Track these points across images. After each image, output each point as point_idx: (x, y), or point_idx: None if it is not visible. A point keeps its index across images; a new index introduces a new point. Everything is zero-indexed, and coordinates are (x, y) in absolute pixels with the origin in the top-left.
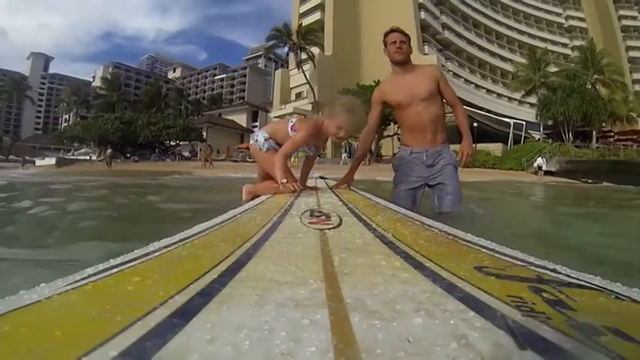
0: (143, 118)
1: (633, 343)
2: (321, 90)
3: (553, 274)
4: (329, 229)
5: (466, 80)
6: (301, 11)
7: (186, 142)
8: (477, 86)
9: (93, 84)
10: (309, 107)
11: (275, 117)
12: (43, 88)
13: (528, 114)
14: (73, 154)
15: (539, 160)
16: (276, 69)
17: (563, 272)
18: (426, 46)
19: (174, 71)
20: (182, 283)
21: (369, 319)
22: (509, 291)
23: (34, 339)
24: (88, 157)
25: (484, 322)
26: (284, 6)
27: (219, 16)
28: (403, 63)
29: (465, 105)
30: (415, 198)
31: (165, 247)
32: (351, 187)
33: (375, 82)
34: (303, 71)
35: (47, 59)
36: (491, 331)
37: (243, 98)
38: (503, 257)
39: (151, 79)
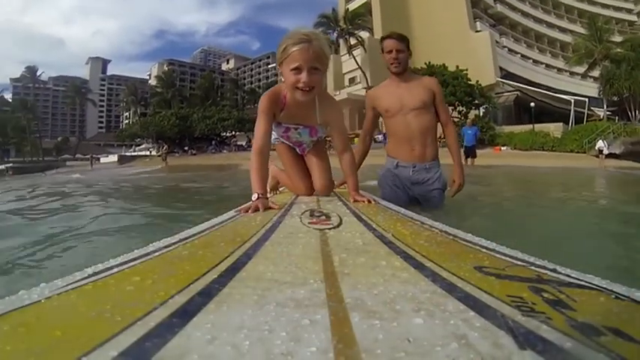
0: (198, 112)
1: (633, 343)
2: (374, 74)
3: (553, 274)
4: (329, 229)
5: (523, 56)
6: None
7: (242, 133)
8: (535, 61)
9: (149, 82)
10: (363, 92)
11: None
12: (103, 90)
13: (592, 89)
14: (133, 151)
15: (600, 143)
16: (334, 52)
17: (563, 272)
18: (477, 23)
19: (227, 62)
20: (182, 283)
21: (369, 319)
22: (510, 291)
23: (34, 339)
24: (147, 153)
25: (484, 322)
26: None
27: (266, 4)
28: (399, 73)
29: (523, 82)
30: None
31: (165, 247)
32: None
33: (426, 64)
34: (354, 56)
35: (104, 62)
36: (492, 331)
37: None
38: (503, 257)
39: (204, 72)
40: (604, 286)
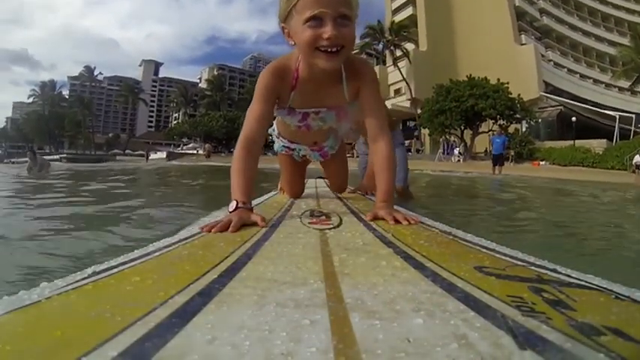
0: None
1: (633, 343)
2: (418, 86)
3: (553, 274)
4: (329, 229)
5: (569, 70)
6: (393, 7)
7: None
8: (582, 76)
9: (199, 85)
10: (408, 104)
11: None
12: (154, 90)
13: None
14: (181, 149)
15: (637, 158)
16: (377, 64)
17: (563, 272)
18: (522, 36)
19: None
20: (182, 283)
21: (369, 319)
22: (510, 291)
23: (34, 339)
24: (195, 152)
25: (484, 322)
26: (378, 0)
27: None
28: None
29: (568, 97)
30: None
31: (165, 247)
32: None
33: (467, 77)
34: (399, 68)
35: (157, 65)
36: (492, 331)
37: None
38: (503, 257)
39: (253, 78)
40: (604, 286)
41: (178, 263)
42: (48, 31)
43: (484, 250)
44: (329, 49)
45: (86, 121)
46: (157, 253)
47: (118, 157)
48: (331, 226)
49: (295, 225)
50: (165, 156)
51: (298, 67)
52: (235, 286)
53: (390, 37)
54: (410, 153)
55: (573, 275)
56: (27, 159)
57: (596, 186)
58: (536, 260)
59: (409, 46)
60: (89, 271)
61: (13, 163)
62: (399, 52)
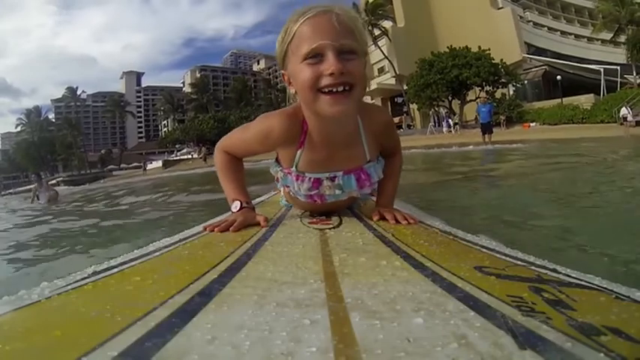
0: (235, 114)
1: (633, 343)
2: (401, 62)
3: (553, 274)
4: (329, 229)
5: (550, 29)
6: None
7: None
8: (563, 33)
9: (184, 89)
10: (393, 81)
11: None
12: (139, 101)
13: (624, 56)
14: (176, 155)
15: (624, 110)
16: None
17: (563, 272)
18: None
19: (258, 63)
20: (182, 283)
21: (369, 319)
22: (510, 291)
23: (34, 339)
24: (190, 156)
25: (484, 322)
26: None
27: (291, 2)
28: None
29: (552, 56)
30: None
31: (165, 247)
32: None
33: (448, 47)
34: (379, 47)
35: (138, 75)
36: (492, 331)
37: None
38: (503, 257)
39: (237, 75)
40: (604, 286)
41: (178, 263)
42: (24, 56)
43: (484, 250)
44: (334, 89)
45: (77, 141)
46: (156, 253)
47: (114, 173)
48: (331, 226)
49: (295, 225)
50: (161, 165)
51: (306, 121)
52: (235, 286)
53: (366, 18)
54: (401, 129)
55: (573, 275)
56: (24, 188)
57: (590, 141)
58: (536, 260)
59: (387, 24)
60: (89, 271)
61: (12, 194)
62: (377, 31)
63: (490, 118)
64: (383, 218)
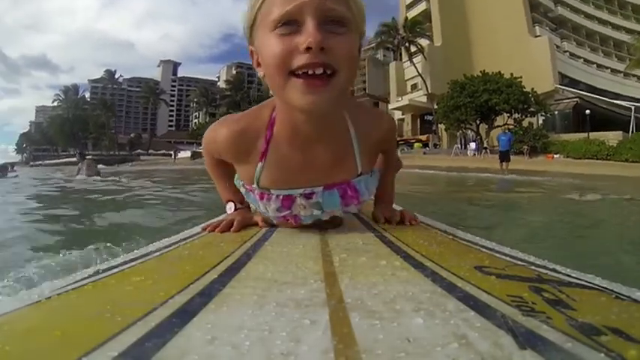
0: None
1: (633, 343)
2: (434, 81)
3: (553, 274)
4: (329, 229)
5: (586, 60)
6: (407, 3)
7: None
8: (599, 66)
9: (218, 83)
10: (424, 99)
11: (392, 109)
12: (173, 90)
13: None
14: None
15: None
16: (394, 59)
17: (563, 272)
18: (537, 27)
19: None
20: (182, 283)
21: (369, 319)
22: (510, 291)
23: (34, 339)
24: None
25: (484, 322)
26: None
27: None
28: None
29: (586, 88)
30: None
31: (165, 247)
32: None
33: (481, 72)
34: (414, 64)
35: (175, 65)
36: (492, 331)
37: (365, 89)
38: (503, 257)
39: None
40: (604, 286)
41: (178, 263)
42: (65, 35)
43: (484, 250)
44: (309, 71)
45: (109, 122)
46: (156, 253)
47: (142, 157)
48: (331, 226)
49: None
50: (189, 155)
51: (272, 123)
52: (235, 286)
53: (404, 34)
54: (427, 148)
55: (573, 275)
56: (53, 162)
57: (611, 180)
58: (536, 260)
59: (423, 42)
60: (89, 271)
61: (41, 165)
62: (413, 48)
63: (509, 147)
64: (385, 218)
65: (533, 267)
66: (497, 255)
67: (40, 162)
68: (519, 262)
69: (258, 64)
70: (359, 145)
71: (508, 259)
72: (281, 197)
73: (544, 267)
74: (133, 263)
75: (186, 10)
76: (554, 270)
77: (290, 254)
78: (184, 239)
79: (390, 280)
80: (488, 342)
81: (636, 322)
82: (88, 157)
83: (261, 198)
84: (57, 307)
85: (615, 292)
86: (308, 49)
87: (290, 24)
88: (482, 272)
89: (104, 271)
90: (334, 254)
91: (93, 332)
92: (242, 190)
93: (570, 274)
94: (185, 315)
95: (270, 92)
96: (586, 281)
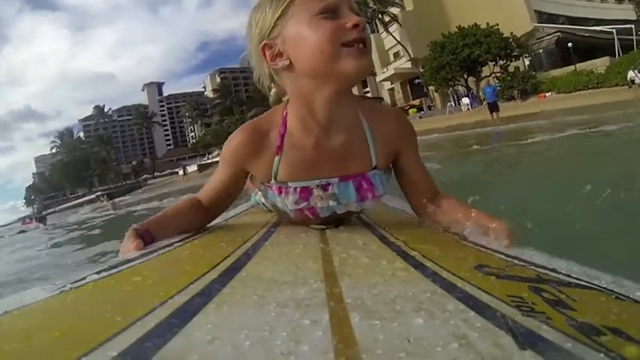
0: (259, 112)
1: (633, 343)
2: (414, 46)
3: (553, 274)
4: (329, 228)
5: None
6: None
7: None
8: None
9: (205, 93)
10: (409, 65)
11: (380, 81)
12: (163, 110)
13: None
14: (208, 159)
15: (630, 73)
16: (372, 31)
17: (563, 272)
18: None
19: None
20: (182, 283)
21: (369, 319)
22: (510, 291)
23: (34, 339)
24: None
25: (484, 322)
26: None
27: None
28: None
29: (566, 21)
30: None
31: (165, 247)
32: None
33: (457, 27)
34: (390, 33)
35: (159, 85)
36: (492, 331)
37: None
38: (504, 257)
39: None
40: (604, 286)
41: (178, 263)
42: (44, 81)
43: (484, 250)
44: (359, 44)
45: (110, 155)
46: (156, 253)
47: (149, 182)
48: (331, 225)
49: (295, 225)
50: (196, 169)
51: (285, 119)
52: (235, 286)
53: (374, 6)
54: (422, 111)
55: (573, 275)
56: (66, 205)
57: (597, 111)
58: (536, 260)
59: (395, 10)
60: (89, 271)
61: (55, 212)
62: (387, 18)
63: (495, 97)
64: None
65: (533, 267)
66: (497, 255)
67: (50, 210)
68: (519, 262)
69: (279, 55)
70: (373, 139)
71: (508, 259)
72: (298, 189)
73: (544, 267)
74: (133, 263)
75: (155, 30)
76: (554, 270)
77: (290, 254)
78: (184, 239)
79: (390, 280)
80: (488, 342)
81: (636, 322)
82: (100, 194)
83: (280, 192)
84: (57, 307)
85: (615, 292)
86: (355, 26)
87: (330, 11)
88: (482, 272)
89: (104, 271)
90: (334, 254)
91: (93, 332)
92: (262, 190)
93: (570, 275)
94: (185, 315)
95: (270, 89)
96: (586, 281)
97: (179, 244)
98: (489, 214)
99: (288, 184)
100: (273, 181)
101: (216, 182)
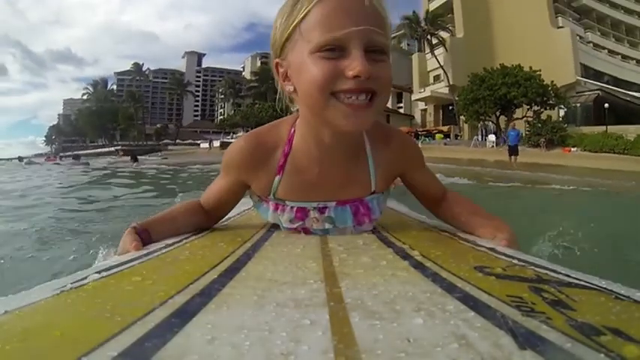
0: (293, 106)
1: (633, 343)
2: (455, 73)
3: (553, 274)
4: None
5: (610, 51)
6: None
7: None
8: (625, 57)
9: (243, 73)
10: (446, 90)
11: (415, 100)
12: (198, 81)
13: None
14: (232, 137)
15: None
16: (418, 49)
17: (563, 272)
18: (560, 18)
19: None
20: (182, 283)
21: (369, 319)
22: (509, 291)
23: (34, 339)
24: None
25: (484, 322)
26: None
27: None
28: None
29: (610, 80)
30: None
31: (165, 247)
32: None
33: (500, 65)
34: (435, 56)
35: (200, 55)
36: (492, 331)
37: None
38: (504, 257)
39: None
40: (604, 286)
41: (178, 263)
42: (89, 28)
43: (484, 250)
44: (354, 96)
45: (138, 114)
46: (156, 253)
47: (169, 147)
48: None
49: None
50: (219, 145)
51: (292, 138)
52: (235, 286)
53: (426, 27)
54: (449, 139)
55: (573, 275)
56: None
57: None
58: (536, 260)
59: (445, 34)
60: (89, 271)
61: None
62: (435, 40)
63: (517, 141)
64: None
65: (533, 267)
66: (497, 255)
67: (68, 153)
68: (519, 262)
69: (286, 78)
70: (374, 162)
71: (508, 259)
72: (295, 209)
73: (544, 267)
74: (132, 263)
75: (208, 0)
76: (554, 270)
77: (290, 254)
78: (184, 239)
79: (390, 280)
80: (488, 342)
81: (636, 322)
82: (120, 148)
83: (276, 209)
84: (57, 307)
85: (615, 293)
86: (356, 77)
87: (336, 49)
88: (482, 272)
89: (104, 270)
90: (334, 254)
91: (93, 332)
92: (254, 198)
93: (570, 275)
94: (185, 315)
95: (291, 106)
96: (586, 281)
97: (179, 244)
98: (490, 215)
99: (286, 202)
100: (271, 196)
101: (216, 188)
